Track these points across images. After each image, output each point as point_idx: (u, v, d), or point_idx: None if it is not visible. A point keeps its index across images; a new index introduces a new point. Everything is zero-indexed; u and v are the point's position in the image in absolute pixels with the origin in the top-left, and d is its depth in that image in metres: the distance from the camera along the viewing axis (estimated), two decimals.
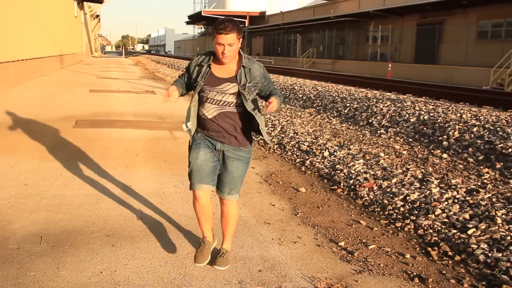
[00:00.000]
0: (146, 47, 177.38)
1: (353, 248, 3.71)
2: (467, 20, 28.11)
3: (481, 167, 5.57)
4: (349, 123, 8.84)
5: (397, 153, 6.38)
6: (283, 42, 53.44)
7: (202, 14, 62.02)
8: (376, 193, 5.02)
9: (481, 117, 7.06)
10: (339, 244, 3.78)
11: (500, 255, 3.49)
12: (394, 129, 7.64)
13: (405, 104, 8.92)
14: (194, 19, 74.53)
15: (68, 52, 30.68)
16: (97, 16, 68.25)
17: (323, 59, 42.14)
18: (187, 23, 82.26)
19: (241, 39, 2.94)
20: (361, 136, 7.67)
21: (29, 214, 4.05)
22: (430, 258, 3.60)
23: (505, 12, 25.25)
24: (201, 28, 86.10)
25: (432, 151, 6.41)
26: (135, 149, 6.80)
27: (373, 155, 6.33)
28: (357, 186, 5.30)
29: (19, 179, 5.08)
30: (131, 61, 46.31)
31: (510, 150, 5.68)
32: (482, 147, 6.01)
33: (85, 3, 45.45)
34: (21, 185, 4.89)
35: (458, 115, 7.37)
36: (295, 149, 7.13)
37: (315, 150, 6.86)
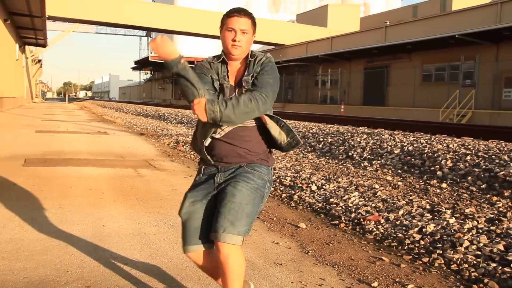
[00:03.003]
0: (90, 93, 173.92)
1: None
2: (412, 64, 29.22)
3: (488, 195, 5.18)
4: (327, 157, 8.38)
5: (393, 185, 5.91)
6: None
7: (150, 59, 61.54)
8: (385, 226, 4.47)
9: (469, 146, 6.79)
10: (372, 285, 3.15)
11: None
12: (379, 161, 7.22)
13: (382, 136, 8.59)
14: (141, 64, 73.97)
15: (8, 95, 29.01)
16: (39, 61, 66.17)
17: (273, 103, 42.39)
18: (133, 68, 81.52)
19: (254, 35, 2.34)
20: (345, 169, 7.19)
21: None
22: None
23: (447, 57, 26.44)
24: (147, 73, 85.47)
25: (427, 181, 5.99)
26: (99, 187, 5.95)
27: (366, 187, 5.83)
28: (361, 219, 4.73)
29: None
30: (76, 106, 44.70)
31: None
32: (482, 176, 5.65)
33: (27, 46, 43.87)
34: None
35: (445, 145, 7.07)
36: (278, 184, 6.53)
37: (301, 185, 6.28)
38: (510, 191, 5.14)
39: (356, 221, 4.74)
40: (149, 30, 60.39)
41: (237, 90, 2.26)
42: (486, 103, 23.60)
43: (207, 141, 2.26)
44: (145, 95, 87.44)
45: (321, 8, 54.49)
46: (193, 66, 2.30)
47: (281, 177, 6.79)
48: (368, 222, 4.66)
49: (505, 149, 6.35)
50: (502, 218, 4.34)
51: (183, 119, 19.83)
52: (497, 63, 23.58)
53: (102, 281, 2.95)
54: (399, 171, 6.66)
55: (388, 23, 37.52)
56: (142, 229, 4.20)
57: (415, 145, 7.42)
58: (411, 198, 5.25)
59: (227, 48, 2.26)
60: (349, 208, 5.10)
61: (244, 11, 2.26)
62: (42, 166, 7.44)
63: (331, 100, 37.20)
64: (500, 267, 3.39)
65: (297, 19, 57.51)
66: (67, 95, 66.11)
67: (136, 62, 74.71)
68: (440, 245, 3.91)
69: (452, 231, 4.14)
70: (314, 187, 6.08)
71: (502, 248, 3.71)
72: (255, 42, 46.42)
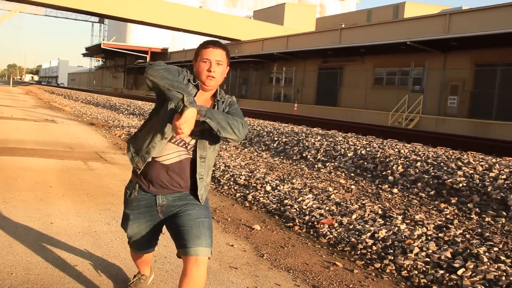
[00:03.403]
0: (36, 77, 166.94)
1: None
2: (365, 67, 29.89)
3: (436, 202, 5.35)
4: (281, 157, 8.41)
5: (346, 188, 6.01)
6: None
7: (102, 46, 59.78)
8: (338, 230, 4.53)
9: (419, 153, 6.99)
10: None
11: None
12: (332, 164, 7.31)
13: (336, 139, 8.72)
14: (93, 51, 71.72)
15: None
16: None
17: None
18: (84, 55, 78.98)
19: (228, 67, 2.34)
20: (299, 170, 7.24)
21: None
22: None
23: (398, 62, 27.22)
24: (98, 61, 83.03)
25: (379, 186, 6.13)
26: (47, 180, 5.70)
27: (320, 190, 5.89)
28: (315, 222, 4.77)
29: None
30: (21, 90, 42.82)
31: (460, 185, 5.55)
32: (431, 182, 5.84)
33: None
34: None
35: (396, 150, 7.26)
36: (232, 183, 6.49)
37: (255, 184, 6.27)
38: (456, 198, 5.33)
39: (310, 224, 4.78)
40: (102, 17, 58.72)
41: None
42: (432, 109, 24.49)
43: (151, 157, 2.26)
44: (95, 83, 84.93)
45: (278, 6, 54.75)
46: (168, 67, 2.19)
47: (235, 176, 6.75)
48: (322, 225, 4.71)
49: (453, 157, 6.60)
50: (450, 226, 4.49)
51: (135, 110, 19.40)
52: (444, 71, 24.50)
53: (50, 285, 2.82)
54: (352, 174, 6.78)
55: (343, 26, 38.15)
56: (93, 227, 4.05)
57: (367, 149, 7.57)
58: (363, 202, 5.35)
59: (202, 79, 2.26)
60: (303, 211, 5.13)
61: (219, 43, 2.31)
62: None
63: (284, 98, 37.47)
64: (448, 274, 3.50)
65: (254, 16, 57.54)
66: (11, 78, 63.20)
67: (87, 49, 72.37)
68: (392, 251, 4.00)
69: (403, 237, 4.24)
70: (268, 188, 6.09)
71: (449, 255, 3.84)
72: (210, 35, 45.78)
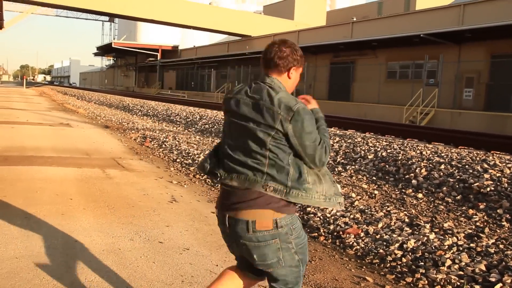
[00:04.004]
0: (48, 78, 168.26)
1: None
2: (377, 61, 29.57)
3: (464, 207, 5.21)
4: None
5: (369, 194, 5.89)
6: (197, 76, 52.98)
7: (113, 45, 59.96)
8: (365, 241, 4.42)
9: (442, 154, 6.84)
10: None
11: None
12: (353, 167, 7.19)
13: (355, 140, 8.58)
14: (104, 50, 72.00)
15: None
16: None
17: None
18: (96, 54, 79.29)
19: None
20: None
21: None
22: None
23: (412, 55, 26.88)
24: (110, 60, 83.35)
25: (403, 190, 6.00)
26: (67, 192, 5.67)
27: (343, 196, 5.77)
28: (341, 232, 4.67)
29: None
30: (35, 92, 43.10)
31: (488, 189, 5.40)
32: (456, 186, 5.69)
33: None
34: None
35: (418, 151, 7.12)
36: None
37: None
38: (484, 204, 5.19)
39: (335, 234, 4.68)
40: (111, 16, 58.87)
41: None
42: (448, 102, 24.16)
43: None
44: (107, 82, 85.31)
45: (288, 0, 54.42)
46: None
47: None
48: (347, 235, 4.61)
49: (477, 158, 6.44)
50: (481, 235, 4.36)
51: (149, 111, 19.39)
52: (459, 64, 24.13)
53: None
54: (374, 178, 6.66)
55: (354, 19, 37.79)
56: (117, 244, 3.99)
57: (388, 151, 7.43)
58: (388, 209, 5.23)
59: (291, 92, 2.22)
60: (327, 219, 5.03)
61: None
62: (3, 165, 7.05)
63: (297, 93, 37.25)
64: None
65: (264, 11, 57.25)
66: (24, 79, 63.69)
67: (98, 48, 72.63)
68: (423, 263, 3.89)
69: (433, 247, 4.12)
70: None
71: (483, 268, 3.72)
72: (220, 32, 45.68)
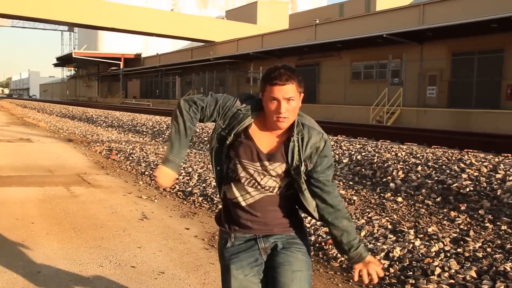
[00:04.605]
0: (6, 91, 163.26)
1: None
2: (342, 62, 29.79)
3: (445, 209, 5.11)
4: None
5: (348, 200, 5.72)
6: (161, 84, 52.26)
7: (73, 55, 58.58)
8: None
9: (417, 155, 6.76)
10: None
11: None
12: None
13: None
14: (64, 61, 70.30)
15: None
16: None
17: None
18: (56, 65, 77.35)
19: (302, 94, 1.91)
20: None
21: None
22: None
23: (375, 55, 27.19)
24: (70, 70, 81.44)
25: (382, 194, 5.86)
26: (28, 215, 5.27)
27: None
28: (323, 243, 4.47)
29: None
30: None
31: (467, 189, 5.32)
32: (435, 188, 5.59)
33: None
34: None
35: (393, 153, 7.02)
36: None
37: None
38: (465, 205, 5.10)
39: (317, 245, 4.48)
40: (71, 25, 57.53)
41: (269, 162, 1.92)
42: (412, 100, 24.49)
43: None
44: (69, 93, 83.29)
45: (251, 4, 54.39)
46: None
47: None
48: (330, 246, 4.41)
49: (453, 158, 6.38)
50: (466, 238, 4.24)
51: (114, 122, 18.85)
52: (421, 62, 24.52)
53: None
54: (351, 182, 6.51)
55: (317, 21, 38.06)
56: (85, 271, 3.66)
57: (363, 154, 7.31)
58: (369, 215, 5.06)
59: (271, 121, 1.87)
60: (308, 229, 4.83)
61: (286, 75, 1.83)
62: None
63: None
64: None
65: (227, 16, 57.06)
66: None
67: (58, 59, 70.84)
68: (411, 272, 3.72)
69: (420, 255, 3.97)
70: None
71: (474, 274, 3.58)
72: (183, 38, 45.23)
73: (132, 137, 14.42)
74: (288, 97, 1.82)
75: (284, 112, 1.83)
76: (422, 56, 24.89)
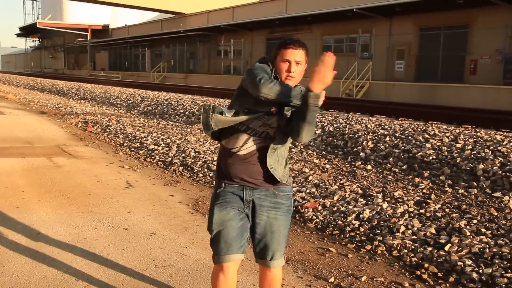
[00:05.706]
0: None
1: (346, 283, 3.25)
2: (313, 36, 30.06)
3: (410, 176, 5.57)
4: None
5: (321, 168, 6.12)
6: (130, 56, 51.46)
7: (37, 26, 56.79)
8: (323, 214, 4.64)
9: (386, 126, 7.20)
10: (329, 280, 3.28)
11: (490, 270, 3.33)
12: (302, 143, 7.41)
13: None
14: (27, 31, 68.04)
15: None
16: None
17: (175, 73, 41.50)
18: (18, 35, 74.76)
19: (306, 65, 2.33)
20: None
21: None
22: (427, 283, 3.29)
23: (345, 29, 27.55)
24: (34, 41, 78.94)
25: (353, 163, 6.29)
26: (17, 184, 5.47)
27: (297, 172, 5.98)
28: (299, 207, 4.86)
29: None
30: None
31: (430, 158, 5.79)
32: (402, 156, 6.05)
33: None
34: None
35: (363, 125, 7.44)
36: (206, 169, 6.46)
37: None
38: (428, 171, 5.57)
39: (294, 209, 4.86)
40: None
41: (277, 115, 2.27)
42: (381, 74, 25.10)
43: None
44: (33, 65, 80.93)
45: None
46: None
47: (208, 162, 6.72)
48: (306, 209, 4.81)
49: (418, 129, 6.85)
50: (428, 201, 4.70)
51: (86, 94, 18.74)
52: (390, 37, 25.07)
53: None
54: (324, 152, 6.91)
55: None
56: (81, 233, 3.95)
57: (335, 125, 7.71)
58: (341, 182, 5.48)
59: (281, 78, 2.27)
60: None
61: (299, 42, 2.27)
62: None
63: (234, 71, 37.20)
64: (436, 251, 3.69)
65: None
66: None
67: (21, 29, 68.52)
68: (379, 231, 4.16)
69: (387, 216, 4.41)
70: None
71: (434, 231, 4.04)
72: (152, 10, 44.23)
73: (106, 109, 14.46)
74: (297, 60, 2.25)
75: (293, 72, 2.23)
76: (391, 30, 25.39)
